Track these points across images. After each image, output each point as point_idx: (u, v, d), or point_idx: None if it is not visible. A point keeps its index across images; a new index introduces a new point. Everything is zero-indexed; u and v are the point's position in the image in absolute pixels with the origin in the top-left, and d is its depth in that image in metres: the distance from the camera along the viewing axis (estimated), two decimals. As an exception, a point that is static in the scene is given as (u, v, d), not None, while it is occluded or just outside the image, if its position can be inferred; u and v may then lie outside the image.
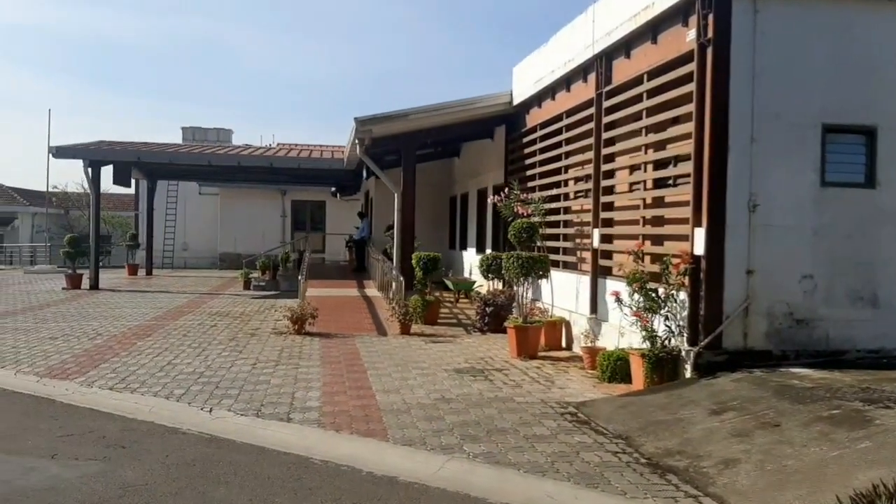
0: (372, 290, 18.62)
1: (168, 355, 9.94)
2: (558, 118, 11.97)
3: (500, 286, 13.57)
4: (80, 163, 20.04)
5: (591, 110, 10.48)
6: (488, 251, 17.34)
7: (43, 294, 19.20)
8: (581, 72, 11.00)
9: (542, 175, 12.64)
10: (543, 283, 11.72)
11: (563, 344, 10.95)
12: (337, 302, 16.10)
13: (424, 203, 21.38)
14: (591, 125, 10.43)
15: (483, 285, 16.94)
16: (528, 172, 13.30)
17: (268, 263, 24.49)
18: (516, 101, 14.02)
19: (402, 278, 13.32)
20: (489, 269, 13.01)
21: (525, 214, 10.85)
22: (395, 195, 14.82)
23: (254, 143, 36.59)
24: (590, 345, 9.26)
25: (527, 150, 13.57)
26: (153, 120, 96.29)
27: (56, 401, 7.35)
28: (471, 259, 19.20)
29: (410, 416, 6.59)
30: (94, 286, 20.73)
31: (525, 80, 13.43)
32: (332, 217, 34.80)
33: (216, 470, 5.15)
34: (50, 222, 46.41)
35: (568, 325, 10.98)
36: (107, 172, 22.26)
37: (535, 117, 13.35)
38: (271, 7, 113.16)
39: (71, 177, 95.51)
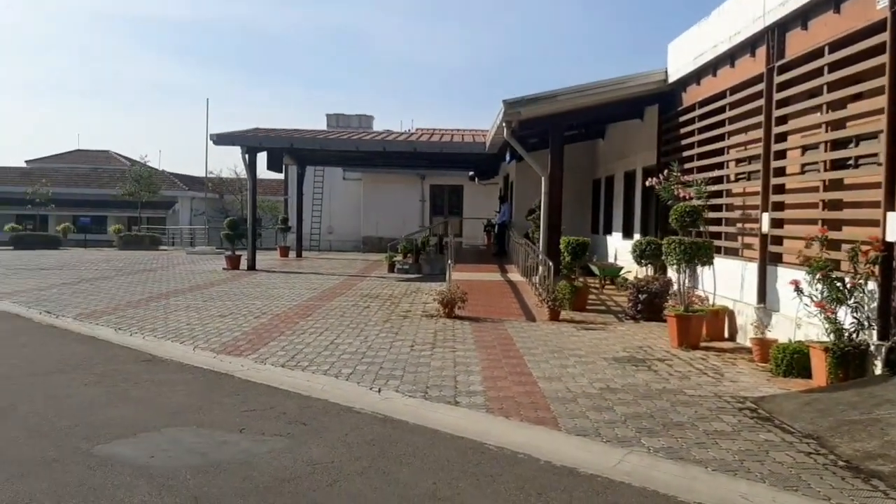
0: (515, 275, 18.56)
1: (330, 335, 10.28)
2: (720, 95, 11.35)
3: (649, 273, 13.11)
4: (233, 150, 21.26)
5: (760, 86, 9.84)
6: (637, 236, 16.83)
7: (206, 274, 20.43)
8: (748, 46, 10.36)
9: (701, 156, 12.06)
10: (701, 270, 11.19)
11: (726, 334, 10.43)
12: (482, 286, 16.14)
13: (566, 186, 20.96)
14: (760, 102, 9.81)
15: (630, 271, 16.48)
16: (685, 153, 12.73)
17: (409, 247, 24.96)
18: (672, 79, 13.44)
19: (550, 263, 13.13)
20: (643, 255, 12.58)
21: (686, 197, 10.38)
22: (542, 178, 14.61)
23: (394, 129, 37.35)
24: (760, 336, 8.75)
25: (683, 130, 13.00)
26: (296, 108, 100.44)
27: (235, 376, 7.74)
28: (616, 244, 18.73)
29: (578, 406, 6.45)
30: (252, 267, 21.87)
31: (683, 57, 12.84)
32: (469, 201, 35.05)
33: (395, 450, 5.23)
34: (206, 206, 49.52)
35: (731, 314, 10.45)
36: (261, 158, 23.40)
37: (693, 95, 12.75)
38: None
39: (225, 163, 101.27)
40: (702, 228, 10.41)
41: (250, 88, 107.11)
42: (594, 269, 16.99)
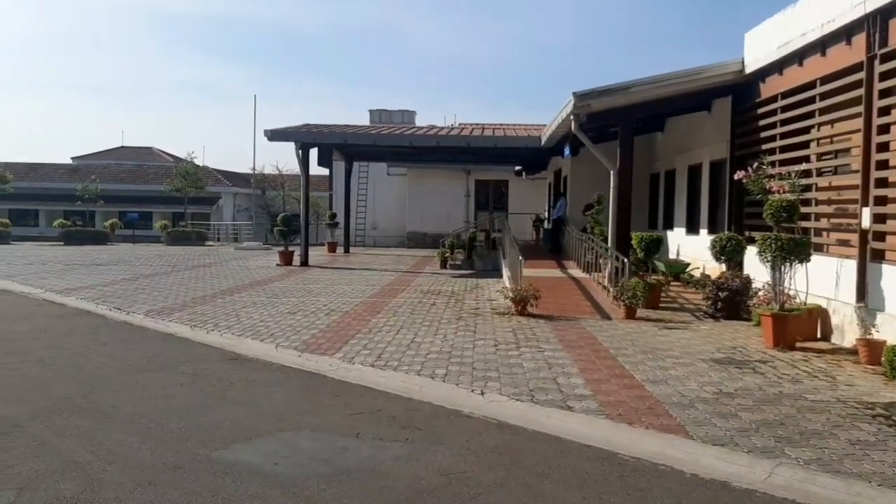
0: (576, 271, 18.20)
1: (407, 333, 10.06)
2: (809, 86, 10.89)
3: (723, 269, 12.68)
4: (275, 146, 21.35)
5: (859, 75, 9.38)
6: (703, 232, 16.39)
7: (260, 270, 20.38)
8: (843, 34, 9.88)
9: (784, 149, 11.61)
10: (790, 267, 10.75)
11: (818, 334, 10.00)
12: (545, 282, 15.77)
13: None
14: (859, 92, 9.35)
15: (698, 268, 16.05)
16: (765, 146, 12.28)
17: (456, 243, 24.71)
18: (749, 70, 12.98)
19: (625, 260, 12.76)
20: (723, 251, 12.15)
21: (779, 191, 9.95)
22: (611, 173, 14.24)
23: (437, 123, 37.12)
24: (867, 337, 8.33)
25: (763, 122, 12.54)
26: (329, 105, 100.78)
27: (328, 377, 7.54)
28: (678, 239, 18.27)
29: (699, 412, 6.13)
30: (304, 262, 21.81)
31: (763, 46, 12.37)
32: (515, 196, 34.70)
33: (526, 460, 4.97)
34: (250, 202, 49.83)
35: (824, 313, 10.01)
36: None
37: (773, 86, 12.28)
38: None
39: (267, 160, 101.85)
40: (798, 224, 9.96)
41: (283, 86, 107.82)
42: (659, 265, 16.57)
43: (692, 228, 17.29)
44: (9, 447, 5.00)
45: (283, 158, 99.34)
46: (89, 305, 12.60)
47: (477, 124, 30.72)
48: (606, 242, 16.10)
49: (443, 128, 27.14)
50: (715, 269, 15.57)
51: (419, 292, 15.37)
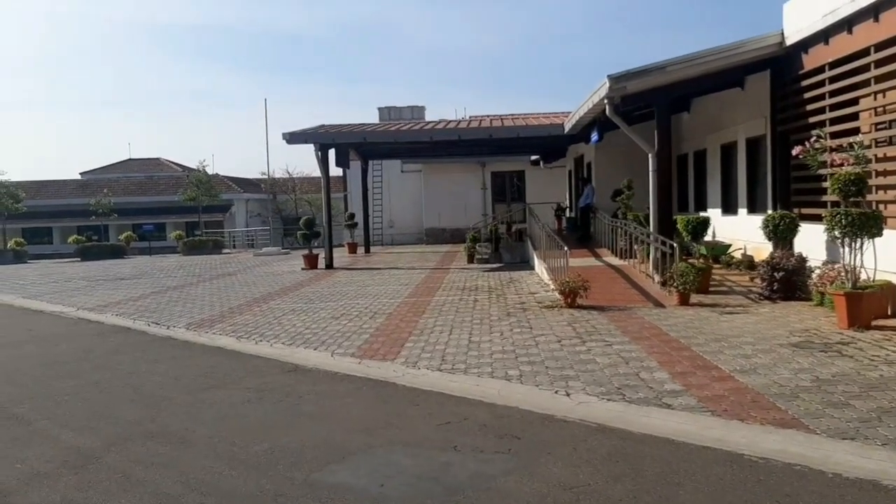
0: (611, 258, 17.80)
1: (461, 333, 9.71)
2: (861, 53, 10.46)
3: (774, 250, 12.26)
4: (285, 150, 21.06)
5: (926, 39, 8.97)
6: (742, 212, 15.99)
7: (287, 275, 20.05)
8: (902, -5, 9.47)
9: (835, 121, 11.19)
10: (855, 243, 10.32)
11: (889, 311, 9.60)
12: (584, 272, 15.29)
13: (637, 165, 20.17)
14: (927, 56, 8.94)
15: (740, 249, 15.64)
16: (813, 119, 11.86)
17: (478, 236, 24.36)
18: (790, 42, 12.54)
19: (674, 244, 12.36)
20: (776, 230, 11.74)
21: (842, 164, 9.53)
22: (650, 156, 13.83)
23: (446, 117, 36.73)
24: (955, 312, 7.94)
25: (808, 95, 12.10)
26: (338, 104, 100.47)
27: (397, 384, 7.20)
28: (713, 221, 17.80)
29: (807, 402, 5.76)
30: (329, 265, 21.46)
31: (806, 16, 11.93)
32: (532, 186, 34.21)
33: (648, 468, 4.60)
34: (262, 207, 49.56)
35: (894, 289, 9.60)
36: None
37: (818, 57, 11.84)
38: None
39: (277, 164, 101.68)
40: (867, 197, 9.54)
41: (287, 89, 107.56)
42: (698, 248, 16.15)
43: (729, 209, 16.89)
44: (91, 483, 4.67)
45: (293, 162, 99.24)
46: (127, 322, 12.29)
47: (488, 116, 30.23)
48: (645, 226, 15.72)
49: (461, 120, 26.76)
50: (758, 249, 15.18)
51: (456, 289, 15.01)
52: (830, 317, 9.65)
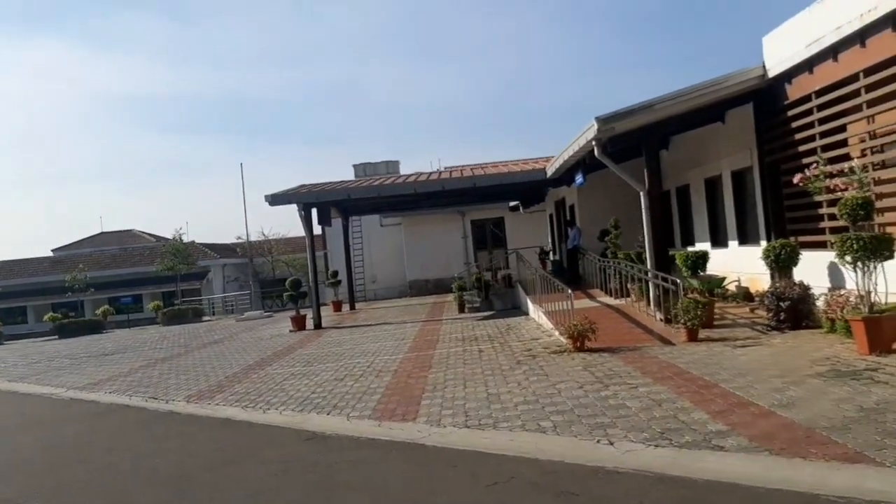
0: (605, 298, 17.68)
1: (476, 386, 9.42)
2: (850, 80, 10.59)
3: (776, 280, 12.21)
4: (259, 212, 20.70)
5: (916, 61, 9.09)
6: (732, 244, 16.00)
7: (276, 338, 19.63)
8: (887, 21, 9.59)
9: (827, 147, 11.26)
10: (871, 267, 10.26)
11: (904, 333, 9.50)
12: (583, 314, 15.22)
13: (627, 203, 20.21)
14: (920, 78, 9.05)
15: (735, 281, 15.60)
16: (802, 147, 11.95)
17: (463, 285, 24.18)
18: (773, 73, 12.70)
19: (677, 280, 12.26)
20: (777, 260, 11.70)
21: (844, 189, 9.54)
22: (641, 194, 13.83)
23: (422, 170, 36.82)
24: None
25: (796, 124, 12.21)
26: (310, 166, 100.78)
27: (427, 445, 6.88)
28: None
29: (863, 434, 5.57)
30: (318, 325, 21.07)
31: (787, 47, 12.11)
32: (512, 232, 34.23)
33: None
34: (238, 271, 48.99)
35: (906, 311, 9.52)
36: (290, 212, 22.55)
37: (803, 86, 11.98)
38: (391, 37, 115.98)
39: (251, 227, 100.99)
40: (875, 221, 9.52)
41: (256, 154, 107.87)
42: (693, 282, 16.09)
43: (718, 242, 16.89)
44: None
45: (269, 224, 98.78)
46: (123, 399, 11.81)
47: (465, 165, 30.30)
48: (638, 264, 15.65)
49: (440, 171, 26.79)
50: (752, 280, 15.16)
51: (455, 340, 14.74)
52: (846, 343, 9.54)
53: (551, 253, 28.73)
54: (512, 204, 32.83)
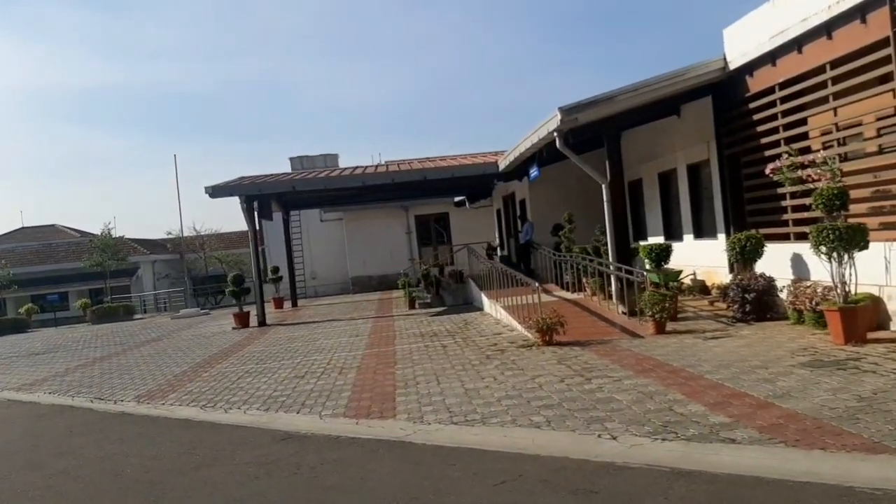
0: (561, 293, 17.61)
1: (450, 381, 9.07)
2: (816, 71, 10.64)
3: (738, 272, 12.25)
4: (190, 207, 19.78)
5: (887, 51, 9.12)
6: (687, 238, 16.07)
7: (219, 336, 18.87)
8: (856, 12, 9.64)
9: (791, 139, 11.31)
10: (846, 257, 10.29)
11: (875, 324, 9.58)
12: (544, 308, 15.05)
13: (579, 198, 20.24)
14: (890, 67, 9.08)
15: (690, 275, 15.67)
16: (765, 140, 12.01)
17: (409, 281, 23.83)
18: (734, 65, 12.72)
19: (643, 273, 12.18)
20: (743, 252, 11.71)
21: (817, 180, 9.55)
22: (603, 187, 13.72)
23: (361, 163, 36.20)
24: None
25: (758, 116, 12.25)
26: (238, 161, 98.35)
27: (415, 443, 6.49)
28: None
29: (873, 423, 5.45)
30: (262, 322, 20.35)
31: (749, 40, 12.13)
32: (457, 228, 33.87)
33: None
34: (169, 268, 47.30)
35: (877, 301, 9.61)
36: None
37: (765, 78, 12.02)
38: (315, 37, 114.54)
39: (184, 221, 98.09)
40: (850, 210, 9.52)
41: (181, 149, 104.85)
42: (650, 276, 16.11)
43: (672, 236, 16.95)
44: None
45: (200, 219, 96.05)
46: (65, 399, 11.00)
47: (404, 160, 29.85)
48: (596, 258, 15.57)
49: (388, 164, 26.27)
50: (708, 273, 15.27)
51: (413, 336, 14.36)
52: (817, 334, 9.58)
53: (498, 248, 28.59)
54: (457, 199, 32.55)
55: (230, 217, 75.97)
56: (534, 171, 18.18)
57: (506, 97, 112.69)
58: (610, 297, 14.39)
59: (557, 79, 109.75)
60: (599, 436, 5.95)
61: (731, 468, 4.90)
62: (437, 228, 34.56)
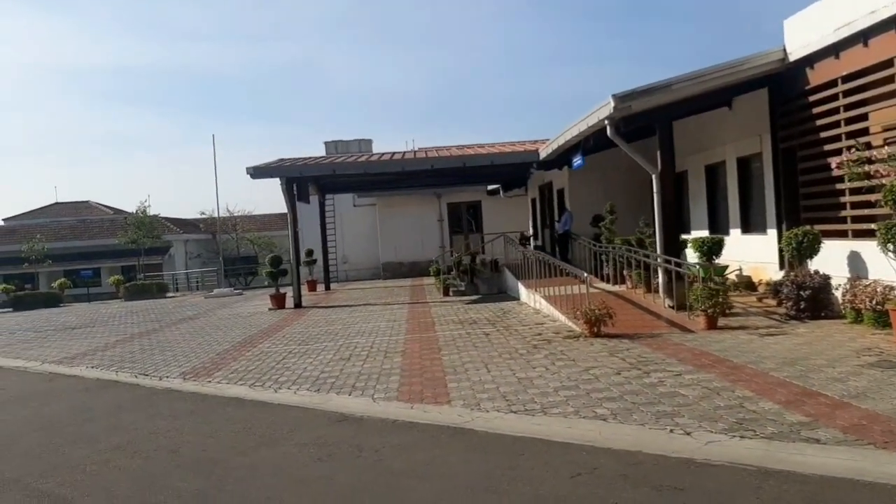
0: (602, 284, 17.32)
1: (500, 369, 8.92)
2: (884, 65, 10.28)
3: (791, 269, 11.94)
4: (226, 188, 19.77)
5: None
6: (734, 232, 15.73)
7: (256, 316, 18.87)
8: (933, 4, 9.32)
9: (853, 134, 10.97)
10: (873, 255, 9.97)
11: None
12: (581, 299, 14.83)
13: (621, 188, 19.99)
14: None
15: (737, 270, 15.35)
16: (824, 134, 11.66)
17: (441, 269, 23.69)
18: (794, 57, 12.38)
19: (696, 266, 11.91)
20: (799, 248, 11.41)
21: (882, 175, 9.24)
22: (653, 177, 13.44)
23: (397, 150, 36.06)
24: None
25: (817, 110, 11.90)
26: (273, 144, 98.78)
27: (476, 430, 6.35)
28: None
29: (965, 426, 5.22)
30: (298, 304, 20.34)
31: (813, 32, 11.77)
32: (489, 217, 33.66)
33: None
34: (201, 248, 47.64)
35: (945, 302, 9.29)
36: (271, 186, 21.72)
37: (827, 71, 11.66)
38: (354, 23, 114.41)
39: (213, 203, 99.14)
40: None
41: (218, 131, 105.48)
42: (694, 270, 15.82)
43: (717, 230, 16.62)
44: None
45: (234, 200, 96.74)
46: (109, 374, 11.01)
47: (435, 147, 29.67)
48: (641, 249, 15.30)
49: (416, 151, 26.11)
50: (755, 269, 14.95)
51: (453, 323, 14.22)
52: (878, 334, 9.31)
53: (532, 238, 28.34)
54: (491, 188, 32.32)
55: (263, 199, 76.40)
56: (577, 160, 17.92)
57: (541, 87, 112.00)
58: (654, 289, 14.15)
59: (594, 71, 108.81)
60: (671, 431, 5.76)
61: (818, 469, 4.71)
62: (468, 217, 34.38)
